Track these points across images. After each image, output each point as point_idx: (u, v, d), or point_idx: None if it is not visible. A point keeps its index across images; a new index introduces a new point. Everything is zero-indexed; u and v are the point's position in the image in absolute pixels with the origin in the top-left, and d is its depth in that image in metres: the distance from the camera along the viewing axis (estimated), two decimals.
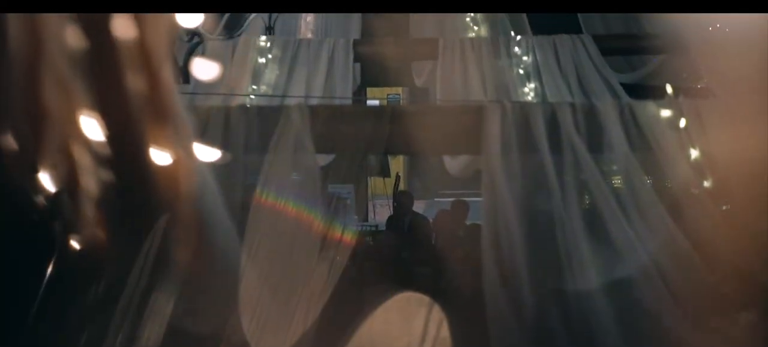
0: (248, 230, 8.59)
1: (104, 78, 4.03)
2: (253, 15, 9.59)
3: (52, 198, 4.13)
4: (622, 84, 12.97)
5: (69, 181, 4.09)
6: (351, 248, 8.91)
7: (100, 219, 4.30)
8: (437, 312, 8.36)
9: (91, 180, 4.13)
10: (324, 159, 9.99)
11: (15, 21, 3.67)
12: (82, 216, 4.17)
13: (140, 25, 3.98)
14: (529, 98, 12.86)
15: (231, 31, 9.17)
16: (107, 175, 4.17)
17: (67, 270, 4.29)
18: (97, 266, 4.48)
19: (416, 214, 11.80)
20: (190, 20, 4.28)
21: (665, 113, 9.16)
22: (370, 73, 14.43)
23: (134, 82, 4.07)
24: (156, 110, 4.20)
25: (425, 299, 8.42)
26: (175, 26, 4.78)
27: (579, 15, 14.10)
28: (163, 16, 4.39)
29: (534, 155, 9.21)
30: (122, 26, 3.94)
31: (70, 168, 4.04)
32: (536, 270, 8.95)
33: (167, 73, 4.17)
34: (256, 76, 13.11)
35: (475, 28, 14.33)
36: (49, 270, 4.24)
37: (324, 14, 14.72)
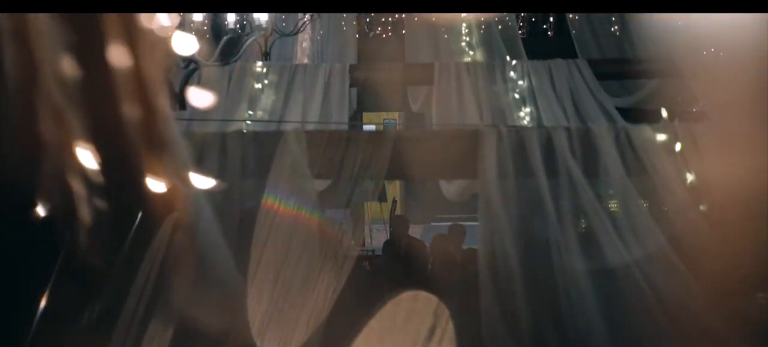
0: (245, 255, 8.60)
1: (100, 106, 4.04)
2: (249, 40, 9.60)
3: (45, 227, 4.13)
4: (617, 108, 13.00)
5: (64, 209, 4.10)
6: (348, 272, 8.91)
7: (96, 246, 4.30)
8: (435, 335, 8.34)
9: (86, 208, 4.14)
10: (321, 184, 10.00)
11: (10, 49, 3.69)
12: (78, 244, 4.18)
13: (136, 53, 4.00)
14: (525, 122, 12.88)
15: (227, 57, 9.19)
16: (103, 203, 4.17)
17: (61, 299, 4.29)
18: (93, 294, 4.48)
19: (413, 238, 11.78)
20: (186, 47, 4.29)
21: (661, 136, 9.19)
22: (366, 98, 14.46)
23: (130, 109, 4.08)
24: (152, 137, 4.21)
25: (422, 322, 8.41)
26: (172, 53, 4.79)
27: (574, 39, 14.15)
28: (159, 43, 4.40)
29: (530, 179, 9.23)
30: (118, 54, 3.96)
31: (66, 196, 4.05)
32: (533, 293, 8.96)
33: (163, 101, 4.18)
34: (253, 101, 13.13)
35: (471, 52, 14.36)
36: (43, 301, 4.24)
37: (320, 39, 14.75)
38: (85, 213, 4.13)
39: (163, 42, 4.53)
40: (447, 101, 13.17)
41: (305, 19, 12.87)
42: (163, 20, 4.45)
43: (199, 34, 9.43)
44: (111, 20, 4.04)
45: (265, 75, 13.25)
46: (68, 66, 3.82)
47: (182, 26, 7.78)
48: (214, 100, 9.60)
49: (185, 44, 4.40)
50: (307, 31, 14.22)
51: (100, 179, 4.13)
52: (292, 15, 14.42)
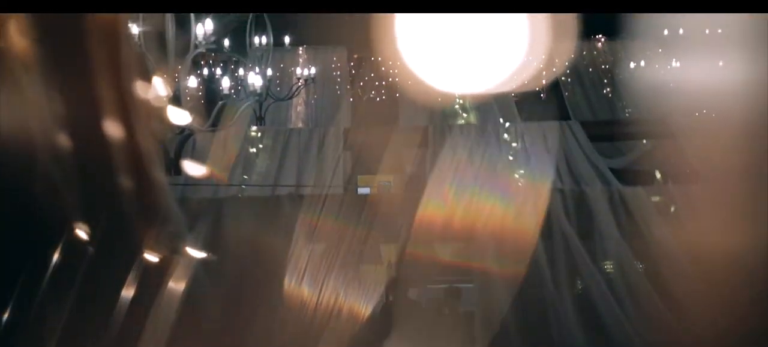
0: (241, 320, 8.57)
1: (94, 176, 4.06)
2: (244, 106, 9.66)
3: (39, 301, 4.13)
4: (610, 169, 13.02)
5: (58, 280, 4.10)
6: (346, 336, 8.90)
7: (92, 317, 4.29)
8: None
9: (82, 277, 4.14)
10: (316, 247, 10.00)
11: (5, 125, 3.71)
12: (73, 316, 4.17)
13: (129, 125, 4.02)
14: (519, 184, 12.90)
15: (222, 122, 9.24)
16: (98, 271, 4.18)
17: None
18: None
19: (409, 301, 11.76)
20: (180, 117, 4.32)
21: (655, 198, 9.23)
22: (361, 161, 14.49)
23: (126, 179, 4.10)
24: (147, 206, 4.22)
25: None
26: (167, 120, 4.82)
27: (566, 101, 14.25)
28: (154, 112, 4.43)
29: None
30: (113, 128, 3.98)
31: (61, 266, 4.05)
32: None
33: (159, 171, 4.20)
34: (248, 166, 13.15)
35: (464, 115, 14.45)
36: None
37: (314, 103, 14.85)
38: (80, 282, 4.12)
39: (159, 110, 4.56)
40: (441, 164, 13.20)
41: (299, 84, 12.97)
42: (160, 90, 4.49)
43: (194, 99, 9.48)
44: (106, 88, 4.06)
45: (260, 139, 13.30)
46: (63, 139, 3.84)
47: (178, 93, 7.83)
48: (209, 165, 9.64)
49: (179, 115, 4.43)
50: (302, 96, 14.33)
51: (92, 246, 4.13)
52: (286, 79, 14.55)
